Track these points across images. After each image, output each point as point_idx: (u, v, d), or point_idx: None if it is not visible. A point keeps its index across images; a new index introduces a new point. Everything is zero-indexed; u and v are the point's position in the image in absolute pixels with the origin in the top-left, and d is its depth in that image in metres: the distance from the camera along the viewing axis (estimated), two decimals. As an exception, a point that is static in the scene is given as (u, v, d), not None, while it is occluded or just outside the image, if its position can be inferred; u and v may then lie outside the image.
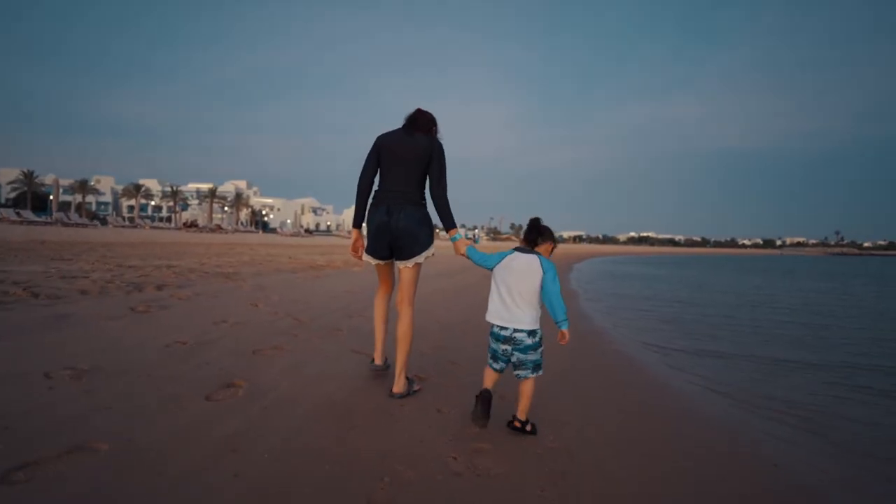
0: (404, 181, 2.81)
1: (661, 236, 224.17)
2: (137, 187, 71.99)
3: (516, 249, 2.55)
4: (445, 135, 2.95)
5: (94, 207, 72.85)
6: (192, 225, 56.04)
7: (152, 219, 71.99)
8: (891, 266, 48.93)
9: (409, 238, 2.80)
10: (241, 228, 63.75)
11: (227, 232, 49.17)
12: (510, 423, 2.60)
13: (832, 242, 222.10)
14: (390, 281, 3.13)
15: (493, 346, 2.51)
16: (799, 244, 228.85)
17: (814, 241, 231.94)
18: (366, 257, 2.96)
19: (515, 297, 2.44)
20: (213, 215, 73.69)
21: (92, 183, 71.31)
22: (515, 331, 2.43)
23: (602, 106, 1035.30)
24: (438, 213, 2.86)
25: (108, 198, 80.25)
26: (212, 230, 50.24)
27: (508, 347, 2.45)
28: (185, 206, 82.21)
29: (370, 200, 2.89)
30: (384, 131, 2.91)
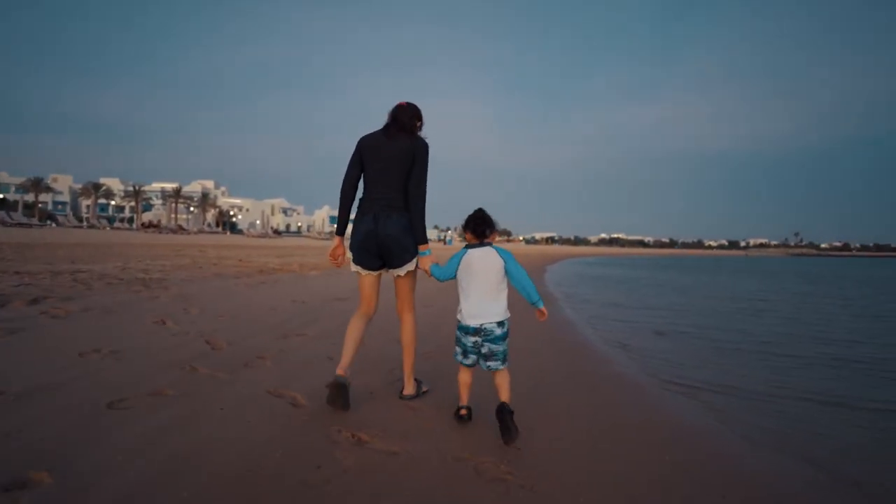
0: (388, 187, 2.66)
1: (630, 237, 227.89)
2: (97, 186, 68.52)
3: (467, 247, 2.52)
4: (430, 136, 2.77)
5: (50, 207, 69.06)
6: (151, 226, 53.45)
7: (112, 220, 68.81)
8: (854, 267, 49.75)
9: (396, 246, 2.65)
10: (207, 229, 61.35)
11: (189, 233, 46.93)
12: (500, 412, 2.39)
13: (792, 244, 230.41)
14: (373, 301, 2.85)
15: (463, 340, 2.46)
16: (762, 245, 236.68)
17: (775, 243, 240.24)
18: (354, 267, 2.77)
19: (483, 293, 2.43)
20: (179, 216, 70.75)
21: (48, 181, 67.41)
22: (485, 321, 2.41)
23: (575, 108, 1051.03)
24: (412, 219, 2.65)
25: (65, 197, 76.76)
26: (173, 231, 47.89)
27: (479, 339, 2.41)
28: (149, 207, 79.08)
29: (357, 209, 2.75)
30: (366, 132, 2.76)
